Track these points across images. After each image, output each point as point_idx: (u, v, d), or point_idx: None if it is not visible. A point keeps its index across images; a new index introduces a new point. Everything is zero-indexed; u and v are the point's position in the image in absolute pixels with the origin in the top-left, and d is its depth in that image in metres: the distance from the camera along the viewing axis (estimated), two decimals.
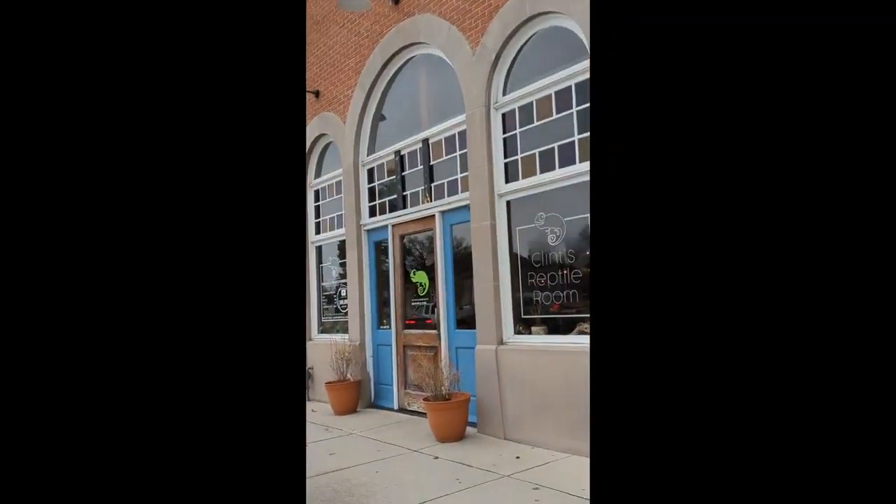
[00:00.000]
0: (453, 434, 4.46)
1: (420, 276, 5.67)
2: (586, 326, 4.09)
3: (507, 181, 4.68)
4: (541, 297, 4.40)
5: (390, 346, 5.95)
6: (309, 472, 3.84)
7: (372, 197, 6.36)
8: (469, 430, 4.60)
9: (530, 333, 4.49)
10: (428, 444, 4.43)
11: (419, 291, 5.66)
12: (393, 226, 5.97)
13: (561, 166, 4.27)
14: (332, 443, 4.72)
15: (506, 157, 4.71)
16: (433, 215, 5.44)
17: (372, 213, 6.33)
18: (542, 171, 4.41)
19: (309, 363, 6.89)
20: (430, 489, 3.35)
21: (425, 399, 4.64)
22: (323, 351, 6.61)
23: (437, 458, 4.05)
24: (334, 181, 7.00)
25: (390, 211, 6.05)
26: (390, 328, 5.96)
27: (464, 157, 5.13)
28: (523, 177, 4.55)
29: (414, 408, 5.60)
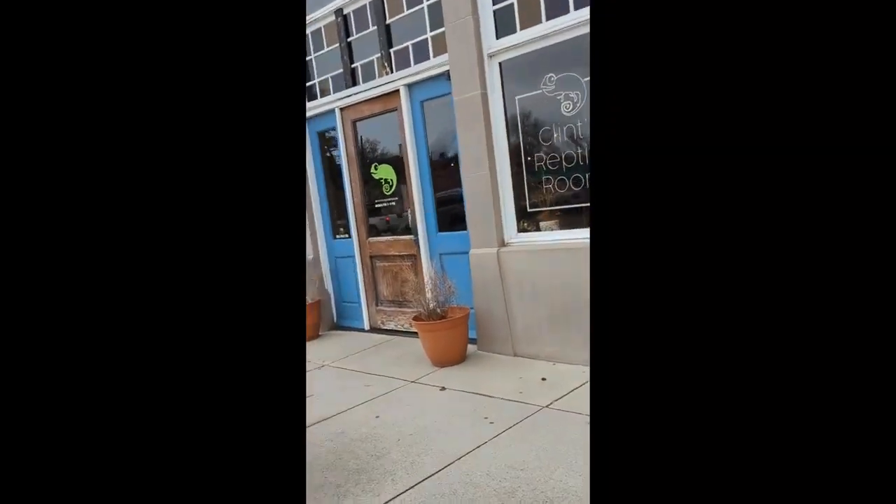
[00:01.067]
0: (454, 356, 3.71)
1: (385, 171, 4.61)
2: None
3: (498, 36, 3.60)
4: (553, 183, 3.54)
5: (353, 257, 4.99)
6: None
7: (310, 74, 5.04)
8: (469, 347, 3.88)
9: (538, 230, 3.67)
10: (424, 370, 3.67)
11: (385, 189, 4.64)
12: (341, 109, 4.76)
13: (577, 7, 3.24)
14: None
15: (495, 2, 3.58)
16: (396, 91, 4.29)
17: (311, 95, 5.05)
18: (548, 18, 3.36)
19: None
20: (457, 437, 2.61)
21: (416, 318, 3.82)
22: None
23: (443, 388, 3.31)
24: None
25: (336, 91, 4.80)
26: (350, 237, 4.96)
27: (434, 7, 3.94)
28: (522, 27, 3.49)
29: (390, 326, 4.80)
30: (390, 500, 2.14)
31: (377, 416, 3.00)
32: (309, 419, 3.07)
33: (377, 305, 4.91)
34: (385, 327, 4.85)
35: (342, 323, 5.26)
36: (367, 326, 4.98)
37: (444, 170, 4.19)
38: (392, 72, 4.32)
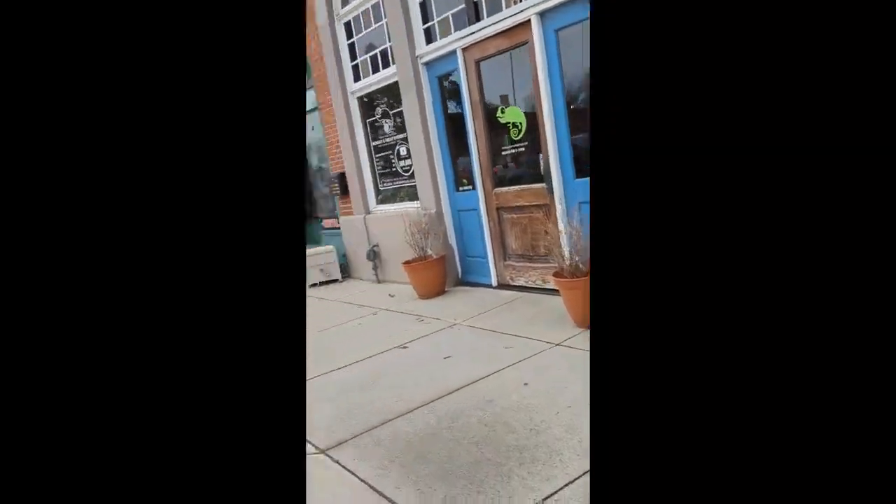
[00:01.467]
0: None
1: (513, 114, 4.22)
2: None
3: None
4: None
5: (477, 210, 4.71)
6: (428, 391, 2.84)
7: (426, 16, 4.69)
8: None
9: None
10: (568, 332, 3.36)
11: (513, 135, 4.25)
12: (463, 49, 4.39)
13: None
14: (436, 340, 3.71)
15: None
16: (527, 21, 3.83)
17: (428, 38, 4.71)
18: None
19: (373, 240, 5.80)
20: None
21: (556, 274, 3.49)
22: (385, 224, 5.46)
23: None
24: (370, 4, 5.28)
25: (457, 29, 4.42)
26: (474, 188, 4.67)
27: None
28: None
29: (520, 283, 4.51)
30: (564, 485, 1.89)
31: (525, 384, 2.75)
32: (451, 384, 2.90)
33: (505, 260, 4.63)
34: (514, 283, 4.57)
35: (467, 279, 5.06)
36: (494, 282, 4.74)
37: (583, 107, 3.71)
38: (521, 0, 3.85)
